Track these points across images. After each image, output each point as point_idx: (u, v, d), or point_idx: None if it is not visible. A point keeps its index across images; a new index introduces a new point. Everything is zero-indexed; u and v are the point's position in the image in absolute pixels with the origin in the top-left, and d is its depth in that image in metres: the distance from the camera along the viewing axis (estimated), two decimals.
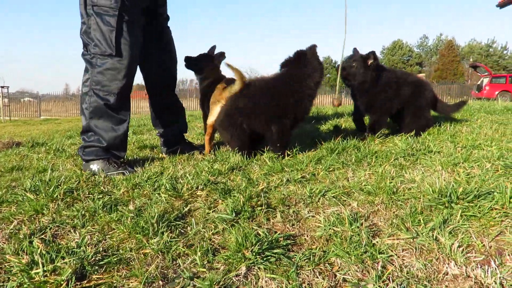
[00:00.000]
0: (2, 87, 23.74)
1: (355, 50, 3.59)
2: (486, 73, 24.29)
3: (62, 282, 1.27)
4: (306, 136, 3.72)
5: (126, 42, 2.59)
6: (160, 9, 3.04)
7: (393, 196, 1.92)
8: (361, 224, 1.64)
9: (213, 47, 3.47)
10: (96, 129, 2.67)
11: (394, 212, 1.78)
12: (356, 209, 1.84)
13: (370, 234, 1.56)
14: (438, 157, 2.60)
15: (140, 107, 26.17)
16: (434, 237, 1.49)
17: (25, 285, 1.27)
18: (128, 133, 4.99)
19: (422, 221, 1.62)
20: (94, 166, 2.67)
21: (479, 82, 24.86)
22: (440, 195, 1.79)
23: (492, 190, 1.81)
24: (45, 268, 1.33)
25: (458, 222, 1.60)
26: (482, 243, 1.46)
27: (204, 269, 1.37)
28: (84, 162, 2.74)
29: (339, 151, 2.85)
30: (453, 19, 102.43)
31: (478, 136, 3.27)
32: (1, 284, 1.31)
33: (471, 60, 52.63)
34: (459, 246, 1.42)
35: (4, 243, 1.59)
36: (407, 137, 3.26)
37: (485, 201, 1.73)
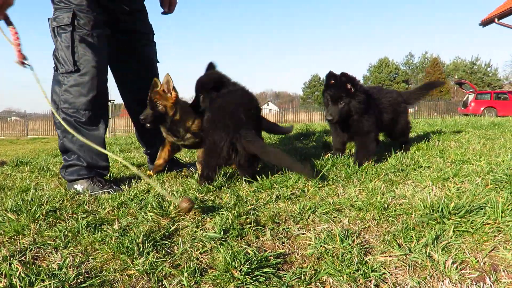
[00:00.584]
0: None
1: (330, 76, 2.89)
2: (471, 90, 24.80)
3: None
4: (296, 152, 3.70)
5: (86, 56, 2.57)
6: (132, 25, 2.94)
7: (384, 212, 1.89)
8: (353, 241, 1.60)
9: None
10: (73, 148, 2.62)
11: (385, 228, 1.74)
12: (347, 225, 1.80)
13: (362, 251, 1.52)
14: (428, 172, 2.59)
15: (129, 125, 26.02)
16: (427, 254, 1.46)
17: None
18: (114, 150, 4.96)
19: (414, 237, 1.59)
20: (79, 186, 2.60)
21: (464, 99, 25.33)
22: (431, 211, 1.77)
23: (484, 204, 1.80)
24: None
25: (451, 237, 1.57)
26: (476, 259, 1.43)
27: None
28: (68, 182, 2.67)
29: (329, 167, 2.82)
30: (438, 37, 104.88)
31: (467, 151, 3.28)
32: None
33: (456, 77, 53.76)
34: (453, 263, 1.39)
35: None
36: (397, 153, 3.25)
37: (477, 216, 1.71)
